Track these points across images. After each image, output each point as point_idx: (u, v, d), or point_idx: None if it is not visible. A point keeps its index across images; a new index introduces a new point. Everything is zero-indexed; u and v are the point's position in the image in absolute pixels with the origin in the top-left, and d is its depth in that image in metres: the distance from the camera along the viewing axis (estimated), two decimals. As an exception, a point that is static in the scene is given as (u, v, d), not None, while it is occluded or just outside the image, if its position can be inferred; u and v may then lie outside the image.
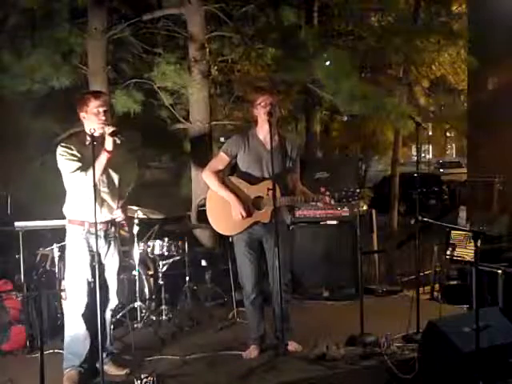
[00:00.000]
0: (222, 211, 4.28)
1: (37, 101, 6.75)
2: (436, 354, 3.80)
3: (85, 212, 3.82)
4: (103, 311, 3.90)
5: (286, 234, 4.44)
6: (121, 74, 7.46)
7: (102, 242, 3.92)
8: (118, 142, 3.80)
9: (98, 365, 3.94)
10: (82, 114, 3.90)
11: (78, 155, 3.82)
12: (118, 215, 4.04)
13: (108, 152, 3.77)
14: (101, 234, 3.88)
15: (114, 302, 4.13)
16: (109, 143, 3.79)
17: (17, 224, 5.12)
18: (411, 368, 3.89)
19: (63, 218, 4.03)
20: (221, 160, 4.35)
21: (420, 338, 4.18)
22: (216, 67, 8.17)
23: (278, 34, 7.26)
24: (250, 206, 4.24)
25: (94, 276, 3.83)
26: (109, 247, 4.01)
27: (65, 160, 3.82)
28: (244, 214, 4.19)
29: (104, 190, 3.90)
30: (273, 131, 4.18)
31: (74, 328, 3.92)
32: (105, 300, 3.98)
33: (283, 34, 7.11)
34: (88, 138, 3.82)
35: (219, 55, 7.87)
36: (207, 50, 7.11)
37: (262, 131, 4.28)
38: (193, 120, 7.15)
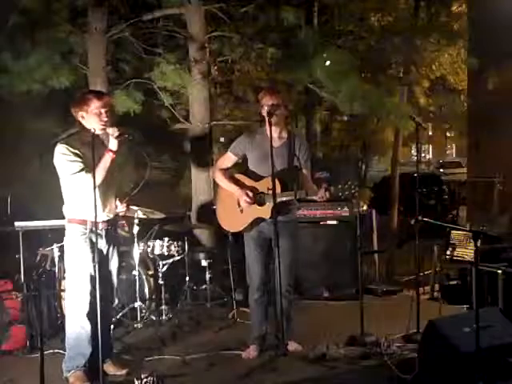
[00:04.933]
0: (228, 208, 4.37)
1: (37, 101, 6.74)
2: (436, 353, 3.80)
3: (86, 211, 3.82)
4: (108, 311, 3.92)
5: (296, 233, 4.45)
6: (121, 74, 7.45)
7: (104, 241, 3.92)
8: (131, 138, 3.84)
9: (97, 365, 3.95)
10: (80, 114, 3.88)
11: (80, 155, 3.82)
12: (121, 210, 4.08)
13: (113, 152, 3.78)
14: (103, 232, 3.89)
15: (114, 301, 4.14)
16: (113, 144, 3.79)
17: (17, 224, 5.11)
18: (411, 368, 3.89)
19: (63, 217, 4.02)
20: (227, 159, 4.47)
21: (420, 338, 4.18)
22: (216, 67, 8.17)
23: (277, 34, 7.25)
24: (254, 200, 4.27)
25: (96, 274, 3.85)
26: (109, 246, 4.01)
27: (66, 161, 3.80)
28: (248, 200, 4.23)
29: (104, 189, 3.89)
30: (277, 130, 4.26)
31: (78, 327, 3.90)
32: (111, 299, 4.00)
33: (283, 34, 7.11)
34: (88, 137, 3.83)
35: (219, 55, 7.87)
36: (207, 50, 7.11)
37: (268, 130, 4.30)
38: (193, 120, 7.15)
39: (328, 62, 6.86)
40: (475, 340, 3.44)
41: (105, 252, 3.96)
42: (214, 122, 7.58)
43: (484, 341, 3.47)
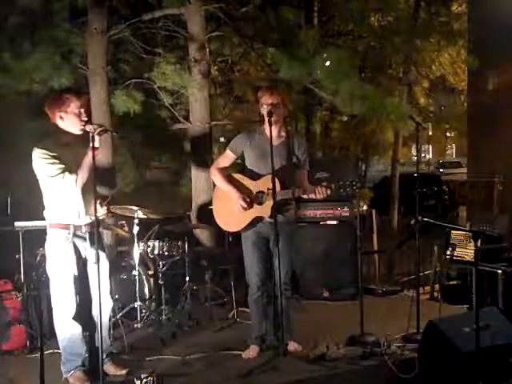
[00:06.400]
0: (226, 208, 4.34)
1: (36, 100, 6.74)
2: (436, 353, 3.80)
3: (68, 215, 3.80)
4: (89, 312, 3.92)
5: (294, 233, 4.44)
6: (121, 74, 7.45)
7: (88, 244, 3.89)
8: (114, 132, 3.79)
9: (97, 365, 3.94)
10: (59, 114, 3.83)
11: (58, 157, 3.75)
12: (102, 213, 4.01)
13: (96, 149, 3.68)
14: (87, 235, 3.86)
15: (109, 303, 4.08)
16: (95, 141, 3.70)
17: (17, 224, 5.11)
18: (411, 368, 3.89)
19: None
20: (226, 157, 4.46)
21: (420, 338, 4.18)
22: (216, 67, 8.18)
23: (277, 34, 7.26)
24: (253, 199, 4.26)
25: (83, 278, 3.86)
26: (95, 249, 3.93)
27: (46, 164, 3.74)
28: (244, 205, 4.22)
29: (85, 191, 3.81)
30: (276, 129, 4.24)
31: (69, 330, 3.90)
32: (89, 300, 3.97)
33: (283, 34, 7.11)
34: (65, 139, 3.80)
35: (219, 55, 7.88)
36: (207, 49, 7.11)
37: (267, 128, 4.30)
38: (193, 120, 7.15)
39: (328, 62, 6.86)
40: (475, 340, 3.44)
41: (91, 255, 3.89)
42: (214, 122, 7.58)
43: (484, 341, 3.47)
